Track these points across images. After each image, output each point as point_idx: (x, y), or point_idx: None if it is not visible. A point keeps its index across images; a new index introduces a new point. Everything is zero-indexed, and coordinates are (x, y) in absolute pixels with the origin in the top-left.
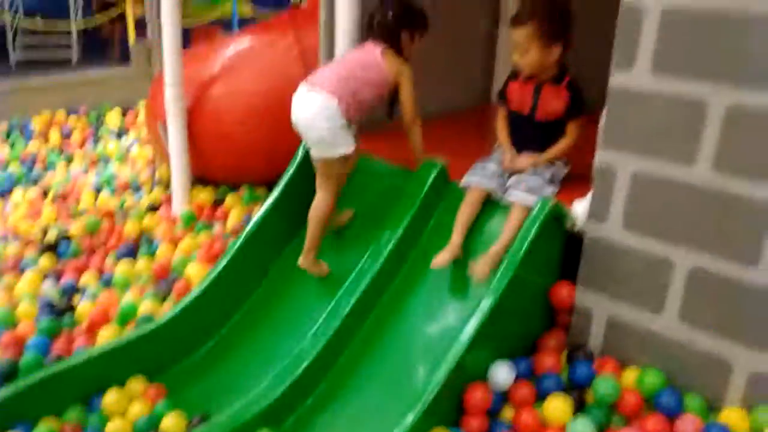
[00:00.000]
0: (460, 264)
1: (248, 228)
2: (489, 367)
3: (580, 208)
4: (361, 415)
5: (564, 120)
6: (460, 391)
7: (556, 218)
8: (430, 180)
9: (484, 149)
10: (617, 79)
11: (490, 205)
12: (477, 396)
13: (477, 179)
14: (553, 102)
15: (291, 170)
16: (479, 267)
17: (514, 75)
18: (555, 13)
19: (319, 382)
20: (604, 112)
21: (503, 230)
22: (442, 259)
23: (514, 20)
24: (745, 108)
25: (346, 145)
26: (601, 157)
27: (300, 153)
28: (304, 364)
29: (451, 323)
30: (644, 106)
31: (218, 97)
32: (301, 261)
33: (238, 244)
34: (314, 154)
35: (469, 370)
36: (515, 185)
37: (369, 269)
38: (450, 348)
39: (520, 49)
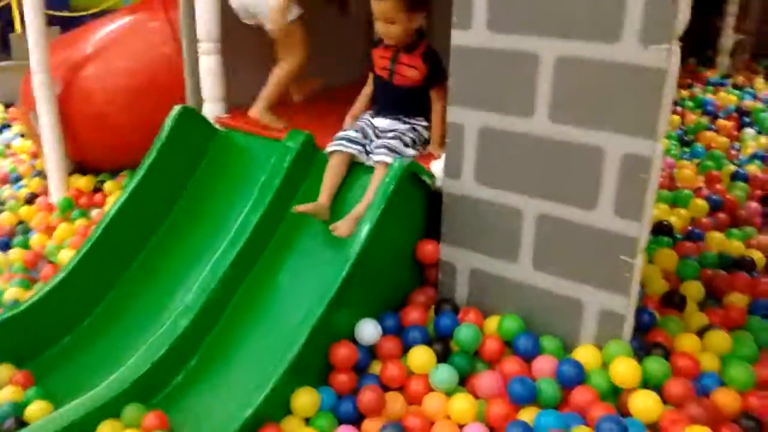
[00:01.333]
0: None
1: (113, 207)
2: (355, 324)
3: (437, 166)
4: (232, 384)
5: (425, 87)
6: (326, 349)
7: (416, 177)
8: (297, 148)
9: None
10: (458, 39)
11: (356, 168)
12: (342, 353)
13: (338, 144)
14: (410, 70)
15: (158, 144)
16: (342, 226)
17: (378, 42)
18: None
19: (191, 352)
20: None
21: (367, 191)
22: (303, 207)
23: None
24: (570, 58)
25: (296, 8)
26: (451, 114)
27: (166, 129)
28: (173, 339)
29: (318, 285)
30: (483, 63)
31: (90, 78)
32: (252, 111)
33: (102, 224)
34: (271, 26)
35: (334, 328)
36: (378, 147)
37: (239, 238)
38: (312, 309)
39: (385, 20)
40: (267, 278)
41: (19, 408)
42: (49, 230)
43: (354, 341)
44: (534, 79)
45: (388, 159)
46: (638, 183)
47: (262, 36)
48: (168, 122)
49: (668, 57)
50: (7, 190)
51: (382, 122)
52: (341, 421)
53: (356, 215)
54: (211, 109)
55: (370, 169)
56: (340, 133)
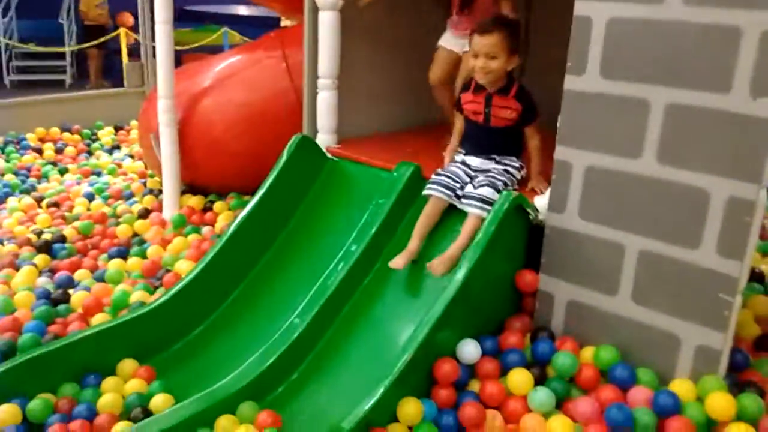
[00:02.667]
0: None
1: (236, 222)
2: (457, 344)
3: (541, 201)
4: (342, 389)
5: (517, 126)
6: (429, 365)
7: (519, 209)
8: (405, 178)
9: None
10: (571, 83)
11: (449, 209)
12: (445, 369)
13: (437, 190)
14: (505, 111)
15: (277, 168)
16: (437, 266)
17: (465, 87)
18: (515, 28)
19: (303, 358)
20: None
21: (460, 235)
22: (397, 261)
23: (482, 28)
24: (680, 105)
25: None
26: (558, 153)
27: (285, 154)
28: (288, 343)
29: (423, 305)
30: (595, 107)
31: (208, 108)
32: None
33: (224, 238)
34: None
35: (438, 347)
36: (471, 198)
37: (348, 258)
38: (420, 327)
39: (487, 56)
40: (374, 295)
41: (144, 399)
42: (164, 243)
43: (455, 359)
44: (643, 123)
45: (483, 213)
46: (741, 225)
47: (373, 75)
48: (288, 148)
49: None
50: (121, 205)
51: (474, 161)
52: None
53: (450, 256)
54: (324, 140)
55: (462, 213)
56: (437, 177)
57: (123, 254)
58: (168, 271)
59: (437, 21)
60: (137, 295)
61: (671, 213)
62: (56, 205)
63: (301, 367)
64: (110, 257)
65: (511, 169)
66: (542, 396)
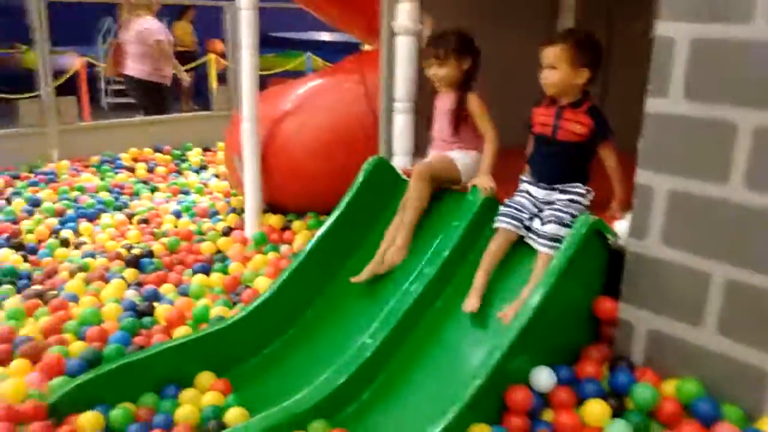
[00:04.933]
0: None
1: (313, 241)
2: (531, 371)
3: (621, 226)
4: (411, 411)
5: (587, 144)
6: (501, 392)
7: (598, 234)
8: (479, 202)
9: None
10: (653, 105)
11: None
12: (518, 396)
13: (507, 222)
14: (575, 125)
15: (355, 187)
16: (507, 314)
17: (537, 102)
18: (585, 41)
19: (374, 378)
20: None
21: (531, 277)
22: (471, 303)
23: (546, 40)
24: None
25: None
26: (640, 177)
27: (362, 174)
28: (360, 362)
29: (497, 330)
30: (678, 130)
31: (289, 131)
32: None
33: (302, 256)
34: None
35: (510, 374)
36: (539, 232)
37: (422, 280)
38: (492, 352)
39: (548, 67)
40: (447, 319)
41: (219, 412)
42: (245, 260)
43: (528, 387)
44: (730, 147)
45: (551, 252)
46: None
47: None
48: (365, 169)
49: None
50: (206, 223)
51: (538, 192)
52: None
53: (521, 304)
54: (400, 161)
55: (531, 249)
56: (505, 209)
57: (206, 270)
58: (247, 287)
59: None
60: (217, 310)
61: (760, 241)
62: (146, 221)
63: (372, 387)
64: (194, 272)
65: (576, 197)
66: (620, 428)
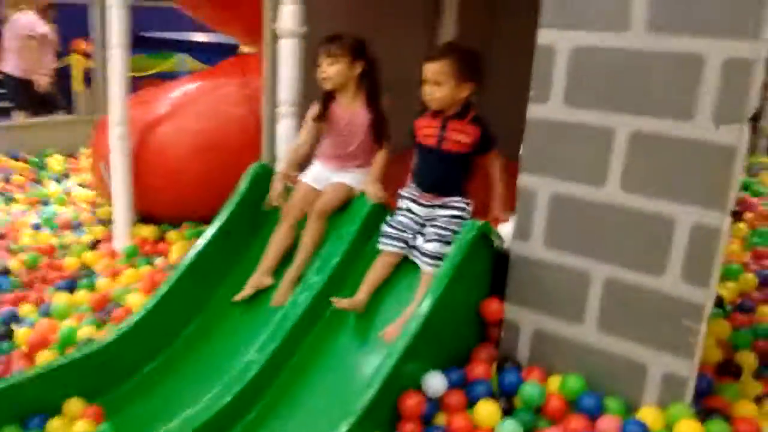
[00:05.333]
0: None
1: (191, 253)
2: (422, 377)
3: (505, 229)
4: (302, 428)
5: (472, 154)
6: (395, 399)
7: (484, 238)
8: (369, 206)
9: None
10: (534, 111)
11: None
12: (411, 402)
13: (391, 245)
14: (461, 135)
15: (237, 196)
16: (392, 333)
17: (420, 113)
18: (467, 56)
19: (261, 396)
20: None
21: (416, 295)
22: (342, 304)
23: (429, 56)
24: (644, 133)
25: None
26: (522, 181)
27: (244, 183)
28: (246, 380)
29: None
30: (558, 135)
31: (163, 135)
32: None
33: (179, 270)
34: None
35: (403, 380)
36: (421, 250)
37: (310, 290)
38: (385, 360)
39: (432, 83)
40: (337, 328)
41: None
42: (114, 275)
43: (421, 392)
44: (608, 151)
45: (433, 270)
46: (707, 252)
47: None
48: (247, 176)
49: (739, 136)
50: (69, 236)
51: (420, 210)
52: None
53: (405, 320)
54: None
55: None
56: (388, 229)
57: (71, 287)
58: (118, 304)
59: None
60: (85, 331)
61: (636, 240)
62: (1, 236)
63: (259, 405)
64: (57, 290)
65: (458, 212)
66: (510, 428)
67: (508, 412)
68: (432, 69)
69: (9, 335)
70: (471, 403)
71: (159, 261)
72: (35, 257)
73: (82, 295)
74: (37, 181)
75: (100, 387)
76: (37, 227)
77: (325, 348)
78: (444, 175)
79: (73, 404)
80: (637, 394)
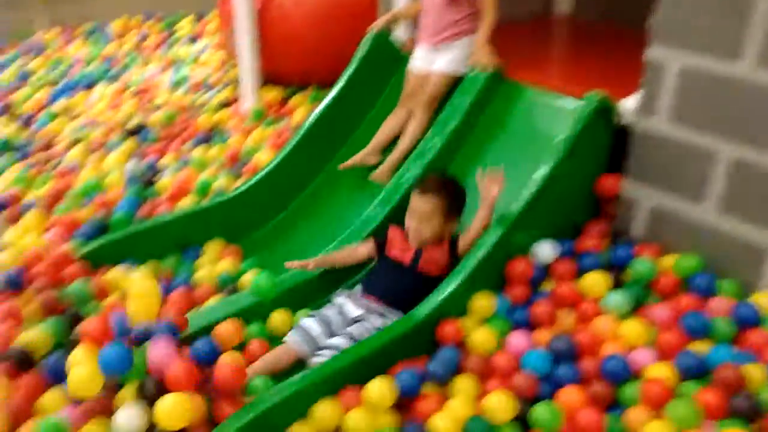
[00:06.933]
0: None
1: (314, 115)
2: (533, 244)
3: (629, 103)
4: None
5: (443, 276)
6: (504, 263)
7: (604, 111)
8: (484, 78)
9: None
10: None
11: None
12: (519, 267)
13: (293, 338)
14: (439, 258)
15: (356, 61)
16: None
17: (396, 221)
18: (460, 192)
19: None
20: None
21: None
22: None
23: (423, 188)
24: None
25: None
26: (651, 53)
27: (363, 48)
28: (364, 235)
29: (501, 204)
30: (693, 4)
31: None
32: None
33: (303, 130)
34: None
35: (513, 246)
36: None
37: (428, 153)
38: (496, 225)
39: (422, 217)
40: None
41: (234, 276)
42: (244, 133)
43: (527, 257)
44: (746, 22)
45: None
46: None
47: None
48: (365, 44)
49: None
50: (201, 96)
51: (356, 311)
52: (515, 327)
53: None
54: (401, 35)
55: None
56: (303, 321)
57: (205, 143)
58: (247, 161)
59: None
60: (220, 182)
61: None
62: (141, 93)
63: None
64: (194, 145)
65: (384, 324)
66: (618, 299)
67: (616, 285)
68: (423, 205)
69: (153, 183)
70: (580, 273)
71: (284, 122)
72: (172, 114)
73: (215, 150)
74: (170, 43)
75: (237, 232)
76: (172, 86)
77: None
78: (408, 293)
79: (215, 244)
80: (754, 279)
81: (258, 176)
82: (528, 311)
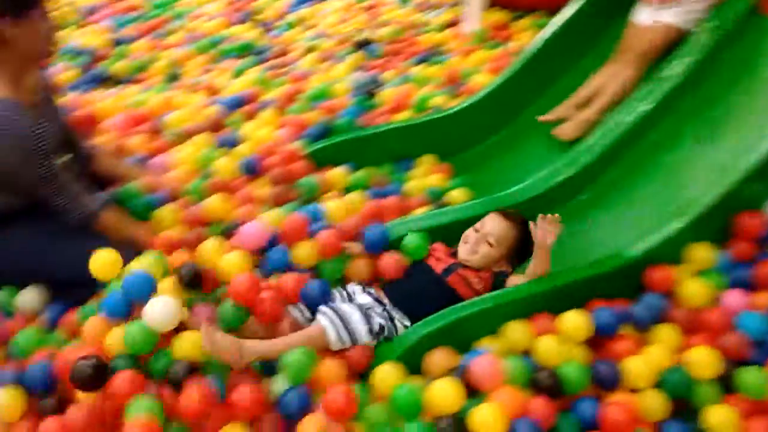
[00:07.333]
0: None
1: (537, 41)
2: (765, 200)
3: None
4: (630, 216)
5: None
6: (730, 216)
7: None
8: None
9: None
10: None
11: None
12: (748, 221)
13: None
14: (471, 279)
15: None
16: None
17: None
18: (527, 241)
19: (589, 185)
20: None
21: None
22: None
23: (508, 215)
24: None
25: None
26: None
27: None
28: (576, 169)
29: (732, 152)
30: None
31: None
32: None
33: (525, 55)
34: None
35: (744, 199)
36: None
37: (655, 91)
38: (727, 174)
39: (486, 240)
40: (680, 133)
41: (441, 193)
42: (465, 54)
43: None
44: None
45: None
46: None
47: None
48: None
49: None
50: (428, 14)
51: (365, 299)
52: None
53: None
54: None
55: None
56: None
57: (427, 60)
58: (465, 82)
59: None
60: (438, 99)
61: None
62: (370, 8)
63: (592, 188)
64: (416, 63)
65: (398, 323)
66: None
67: None
68: (501, 230)
69: (375, 94)
70: None
71: (508, 46)
72: (397, 30)
73: (435, 68)
74: None
75: (448, 150)
76: (400, 3)
77: (657, 158)
78: (426, 296)
79: (427, 159)
80: None
81: (475, 97)
82: (751, 270)
